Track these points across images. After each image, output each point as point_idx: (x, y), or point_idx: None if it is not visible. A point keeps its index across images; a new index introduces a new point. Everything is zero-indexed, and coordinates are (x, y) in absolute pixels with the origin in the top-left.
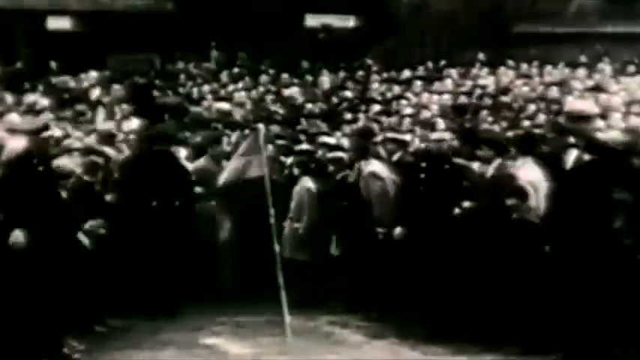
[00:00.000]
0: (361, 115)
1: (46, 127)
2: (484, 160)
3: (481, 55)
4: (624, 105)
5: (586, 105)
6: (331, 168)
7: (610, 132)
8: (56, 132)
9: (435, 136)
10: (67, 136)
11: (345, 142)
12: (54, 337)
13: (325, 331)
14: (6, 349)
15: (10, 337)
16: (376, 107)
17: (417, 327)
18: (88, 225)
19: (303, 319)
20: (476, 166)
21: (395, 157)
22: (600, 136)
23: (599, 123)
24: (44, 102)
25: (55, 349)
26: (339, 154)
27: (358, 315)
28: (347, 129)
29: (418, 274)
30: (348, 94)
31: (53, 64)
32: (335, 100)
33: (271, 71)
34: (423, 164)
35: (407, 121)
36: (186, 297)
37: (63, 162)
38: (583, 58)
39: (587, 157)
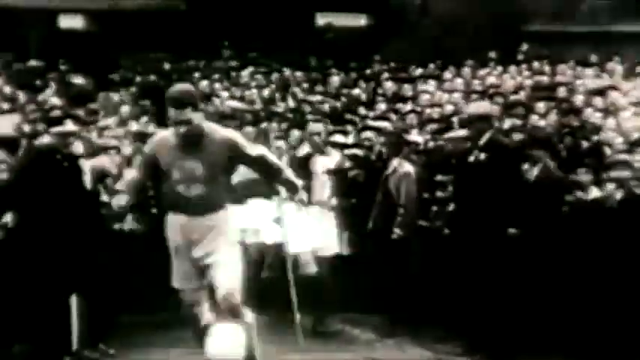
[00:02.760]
0: (371, 114)
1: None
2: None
3: (493, 54)
4: (633, 105)
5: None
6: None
7: None
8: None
9: (452, 134)
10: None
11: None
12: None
13: (336, 329)
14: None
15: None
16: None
17: (428, 326)
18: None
19: (313, 318)
20: None
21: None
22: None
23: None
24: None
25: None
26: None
27: (369, 313)
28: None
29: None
30: (359, 92)
31: (65, 63)
32: (344, 99)
33: (282, 70)
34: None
35: (416, 120)
36: None
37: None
38: (594, 58)
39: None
